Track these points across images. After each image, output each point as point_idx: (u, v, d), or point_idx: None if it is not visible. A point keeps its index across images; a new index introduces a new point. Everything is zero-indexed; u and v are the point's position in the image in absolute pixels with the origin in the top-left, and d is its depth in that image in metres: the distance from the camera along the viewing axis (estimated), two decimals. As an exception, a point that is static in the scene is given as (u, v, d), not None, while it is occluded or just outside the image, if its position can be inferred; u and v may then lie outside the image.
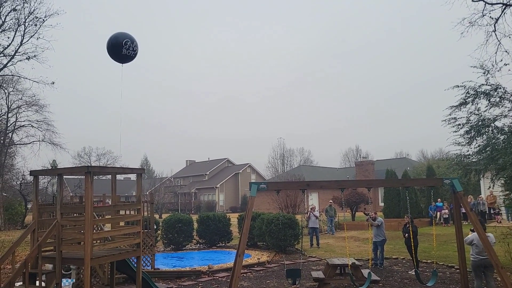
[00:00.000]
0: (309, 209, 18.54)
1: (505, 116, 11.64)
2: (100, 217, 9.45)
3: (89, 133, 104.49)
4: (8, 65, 25.90)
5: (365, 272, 9.60)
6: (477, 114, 11.86)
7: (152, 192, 32.48)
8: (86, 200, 7.00)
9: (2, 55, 25.07)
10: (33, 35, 24.83)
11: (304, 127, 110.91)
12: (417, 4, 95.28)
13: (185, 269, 12.45)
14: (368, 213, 14.23)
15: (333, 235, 21.61)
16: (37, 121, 35.74)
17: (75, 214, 9.32)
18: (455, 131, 12.15)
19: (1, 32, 24.55)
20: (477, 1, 13.16)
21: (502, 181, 12.94)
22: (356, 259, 11.42)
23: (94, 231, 7.79)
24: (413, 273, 10.58)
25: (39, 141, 35.98)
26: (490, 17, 13.06)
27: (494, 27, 13.07)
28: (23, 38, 25.25)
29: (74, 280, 10.29)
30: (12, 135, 35.84)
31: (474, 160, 12.29)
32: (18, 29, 24.93)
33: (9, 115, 34.98)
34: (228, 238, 18.70)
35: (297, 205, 25.80)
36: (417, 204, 27.99)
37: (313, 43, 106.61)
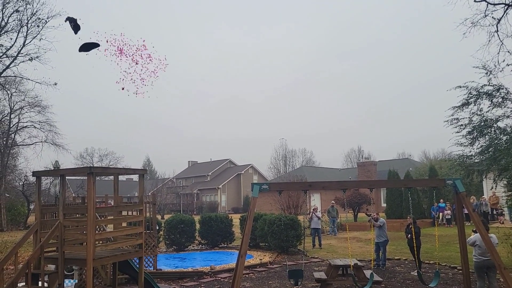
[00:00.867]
0: (312, 210, 18.53)
1: (508, 116, 11.62)
2: (103, 218, 9.47)
3: (92, 134, 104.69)
4: (10, 66, 26.04)
5: (367, 273, 9.59)
6: (479, 115, 11.84)
7: (154, 192, 32.57)
8: (89, 201, 7.01)
9: (4, 56, 25.17)
10: (36, 36, 24.95)
11: (306, 128, 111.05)
12: (419, 4, 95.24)
13: (187, 270, 12.46)
14: (370, 214, 14.20)
15: (335, 236, 21.59)
16: (40, 122, 35.88)
17: (77, 215, 9.35)
18: (458, 132, 12.14)
19: (4, 33, 24.66)
20: (479, 1, 13.14)
21: (505, 182, 12.91)
22: (358, 260, 11.40)
23: (97, 231, 7.80)
24: (416, 274, 10.56)
25: (41, 142, 36.11)
26: (493, 17, 13.04)
27: (497, 27, 13.05)
28: (25, 39, 25.38)
29: (76, 281, 10.31)
30: (14, 136, 35.98)
31: (476, 160, 12.26)
32: (21, 30, 25.06)
33: (12, 116, 35.12)
34: (230, 238, 18.70)
35: (299, 206, 25.76)
36: (420, 205, 27.93)
37: (315, 44, 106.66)
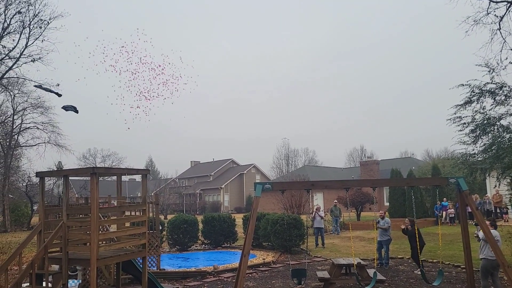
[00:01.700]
0: (315, 209, 18.53)
1: (511, 114, 11.58)
2: (106, 218, 9.49)
3: (94, 135, 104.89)
4: (13, 67, 26.08)
5: (371, 272, 9.59)
6: (482, 113, 11.80)
7: (157, 193, 32.60)
8: (92, 201, 7.03)
9: (7, 57, 25.20)
10: (38, 37, 24.95)
11: (309, 127, 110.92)
12: (421, 3, 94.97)
13: (191, 270, 12.48)
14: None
15: (338, 235, 21.58)
16: (43, 123, 35.99)
17: (81, 215, 9.37)
18: (461, 130, 12.11)
19: (7, 34, 24.70)
20: (481, -1, 13.08)
21: (508, 180, 12.88)
22: (361, 259, 11.40)
23: (100, 232, 7.82)
24: (419, 272, 10.55)
25: (44, 143, 36.23)
26: (495, 15, 12.98)
27: (499, 25, 12.99)
28: (28, 41, 25.40)
29: (80, 281, 10.34)
30: (17, 137, 36.09)
31: (479, 159, 12.23)
32: (23, 31, 25.06)
33: (15, 117, 35.22)
34: (233, 238, 18.71)
35: (302, 205, 25.76)
36: (423, 203, 27.89)
37: (317, 43, 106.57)
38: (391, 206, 30.17)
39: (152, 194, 38.16)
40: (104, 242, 8.38)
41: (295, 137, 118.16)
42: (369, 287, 8.79)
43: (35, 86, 7.65)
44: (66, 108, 8.11)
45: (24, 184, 37.25)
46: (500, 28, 13.00)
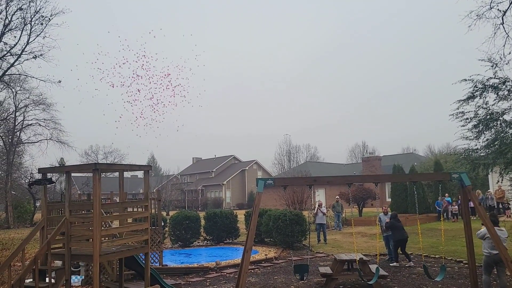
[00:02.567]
0: (317, 206, 18.54)
1: (514, 109, 11.54)
2: (108, 214, 9.49)
3: (96, 132, 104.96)
4: (15, 64, 26.09)
5: (373, 267, 9.58)
6: (485, 108, 11.77)
7: (159, 189, 32.62)
8: (94, 197, 7.03)
9: (9, 54, 25.21)
10: (39, 34, 24.97)
11: (310, 123, 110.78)
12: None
13: (193, 266, 12.50)
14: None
15: (340, 231, 21.59)
16: (45, 119, 36.08)
17: (83, 211, 9.37)
18: (463, 126, 12.09)
19: (8, 31, 24.69)
20: (484, -7, 12.99)
21: (511, 175, 12.84)
22: (363, 255, 11.40)
23: (102, 228, 7.83)
24: (421, 268, 10.55)
25: (46, 139, 36.32)
26: (498, 9, 12.89)
27: (502, 19, 12.91)
28: (29, 37, 25.40)
29: (83, 277, 10.39)
30: (20, 133, 36.19)
31: (482, 154, 12.20)
32: (25, 28, 25.06)
33: (17, 114, 35.33)
34: (235, 234, 18.74)
35: (304, 201, 25.76)
36: (425, 199, 27.87)
37: (319, 38, 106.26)
38: (393, 202, 30.16)
39: (154, 190, 38.21)
40: (106, 238, 8.39)
41: (296, 134, 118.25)
42: (372, 282, 8.79)
43: (29, 185, 7.31)
44: (36, 183, 7.69)
45: (26, 181, 37.34)
46: (503, 23, 12.91)
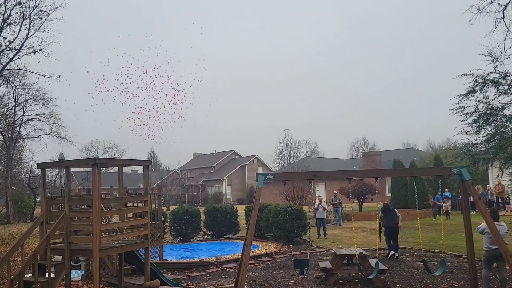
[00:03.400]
0: (319, 201, 18.61)
1: (514, 104, 11.50)
2: (108, 209, 9.50)
3: (97, 127, 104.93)
4: (14, 59, 26.05)
5: (373, 262, 9.59)
6: (485, 103, 11.73)
7: (160, 184, 32.63)
8: (94, 192, 7.02)
9: (8, 49, 25.15)
10: (38, 28, 24.91)
11: (311, 118, 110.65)
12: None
13: (193, 260, 12.52)
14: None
15: (340, 226, 21.62)
16: (44, 114, 36.06)
17: (83, 206, 9.38)
18: (463, 120, 12.05)
19: (7, 26, 24.62)
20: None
21: (511, 170, 12.83)
22: (363, 249, 11.41)
23: (102, 223, 7.83)
24: (421, 262, 10.57)
25: (46, 134, 36.33)
26: (499, 3, 12.83)
27: (503, 13, 12.84)
28: (28, 32, 25.34)
29: (83, 272, 10.40)
30: (19, 129, 36.17)
31: (482, 149, 12.19)
32: (24, 22, 24.99)
33: (17, 109, 35.28)
34: (236, 229, 18.77)
35: (304, 196, 25.78)
36: (425, 194, 27.88)
37: (319, 35, 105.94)
38: (393, 197, 30.21)
39: (155, 185, 38.23)
40: (106, 233, 8.40)
41: (297, 128, 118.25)
42: (371, 277, 8.80)
43: None
44: None
45: (26, 176, 37.39)
46: (504, 17, 12.85)
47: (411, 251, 13.61)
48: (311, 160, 56.68)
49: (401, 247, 14.17)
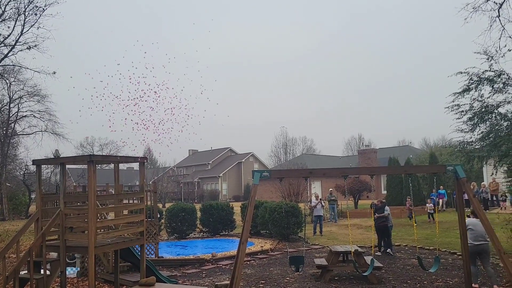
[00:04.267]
0: (316, 199, 18.71)
1: (509, 102, 11.56)
2: (104, 206, 9.48)
3: (92, 124, 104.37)
4: (9, 55, 25.80)
5: (368, 259, 9.64)
6: (480, 101, 11.79)
7: (156, 181, 32.58)
8: (89, 189, 7.01)
9: (2, 45, 24.94)
10: (33, 24, 24.67)
11: (307, 115, 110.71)
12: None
13: (189, 257, 12.52)
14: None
15: (336, 223, 21.69)
16: (39, 111, 35.87)
17: (78, 203, 9.35)
18: (458, 118, 12.11)
19: (1, 21, 24.41)
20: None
21: (505, 168, 12.91)
22: (359, 246, 11.45)
23: (98, 219, 7.81)
24: (416, 260, 10.62)
25: (41, 131, 36.14)
26: (494, 2, 12.85)
27: (498, 12, 12.87)
28: (23, 28, 25.11)
29: (79, 269, 10.38)
30: (14, 125, 35.97)
31: (477, 147, 12.25)
32: (18, 18, 24.76)
33: (11, 105, 35.08)
34: (231, 226, 18.78)
35: (300, 194, 25.86)
36: (420, 192, 28.01)
37: (315, 32, 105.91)
38: (389, 194, 30.32)
39: (150, 182, 38.17)
40: (102, 230, 8.38)
41: (293, 126, 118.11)
42: (367, 273, 8.85)
43: None
44: None
45: (21, 173, 37.22)
46: (499, 15, 12.89)
47: (406, 248, 13.68)
48: (307, 157, 56.80)
49: (396, 244, 14.24)
